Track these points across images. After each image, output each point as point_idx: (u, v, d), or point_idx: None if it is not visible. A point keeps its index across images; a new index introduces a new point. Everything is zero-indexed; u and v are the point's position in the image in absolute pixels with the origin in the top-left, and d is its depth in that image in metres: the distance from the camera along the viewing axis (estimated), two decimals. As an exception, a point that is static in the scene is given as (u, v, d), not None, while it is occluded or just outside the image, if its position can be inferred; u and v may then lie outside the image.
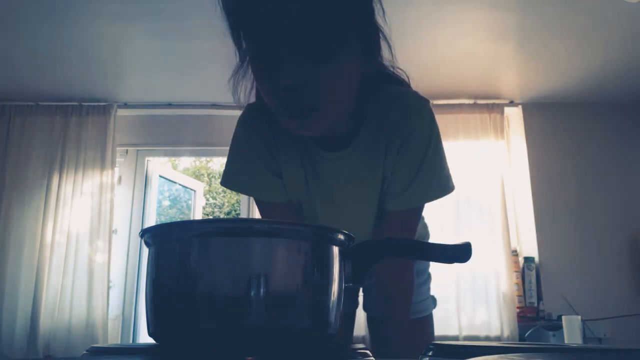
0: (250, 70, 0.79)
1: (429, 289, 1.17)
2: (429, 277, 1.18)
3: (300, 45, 0.68)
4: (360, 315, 1.26)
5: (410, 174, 0.86)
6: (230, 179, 0.93)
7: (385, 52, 0.82)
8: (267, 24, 0.68)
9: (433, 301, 1.17)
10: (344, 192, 0.91)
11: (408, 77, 0.92)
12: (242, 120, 0.93)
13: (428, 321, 1.13)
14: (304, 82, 0.69)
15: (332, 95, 0.73)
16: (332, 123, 0.78)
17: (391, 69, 0.90)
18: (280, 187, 0.91)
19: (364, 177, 0.89)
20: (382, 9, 0.77)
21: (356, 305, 1.21)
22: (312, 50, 0.68)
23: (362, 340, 2.54)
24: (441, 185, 0.88)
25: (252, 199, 3.24)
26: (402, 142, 0.85)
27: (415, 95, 0.88)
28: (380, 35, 0.78)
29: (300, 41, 0.68)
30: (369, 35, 0.76)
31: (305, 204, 0.94)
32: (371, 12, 0.76)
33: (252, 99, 0.89)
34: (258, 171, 0.90)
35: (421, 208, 0.92)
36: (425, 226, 1.18)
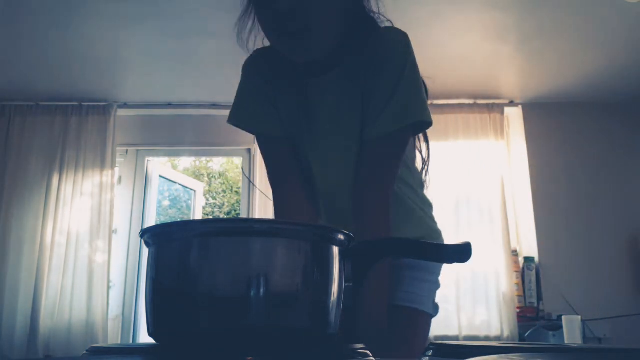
0: (252, 19, 0.92)
1: (431, 291, 1.14)
2: (436, 283, 1.15)
3: None
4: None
5: (385, 96, 0.88)
6: (233, 115, 1.02)
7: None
8: None
9: (435, 308, 1.14)
10: (328, 115, 0.95)
11: (392, 25, 0.96)
12: (247, 61, 1.03)
13: (417, 317, 1.07)
14: (297, 5, 0.80)
15: (323, 17, 0.84)
16: (323, 46, 0.87)
17: (378, 18, 0.96)
18: (275, 118, 0.99)
19: (346, 102, 0.93)
20: None
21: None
22: None
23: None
24: (416, 108, 0.88)
25: (251, 199, 3.25)
26: (377, 65, 0.90)
27: (394, 29, 0.93)
28: None
29: None
30: None
31: (299, 138, 0.99)
32: None
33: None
34: (258, 104, 0.99)
35: (401, 139, 0.90)
36: (437, 232, 1.15)
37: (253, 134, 1.03)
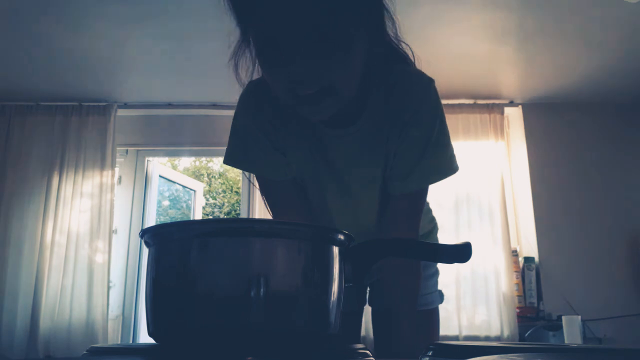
0: (250, 49, 0.80)
1: (436, 283, 1.17)
2: (436, 271, 1.18)
3: (307, 36, 0.67)
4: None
5: (414, 156, 0.85)
6: (233, 157, 0.92)
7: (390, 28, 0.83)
8: (273, 16, 0.68)
9: (440, 296, 1.18)
10: (349, 170, 0.90)
11: (413, 53, 0.91)
12: (243, 97, 0.91)
13: (433, 314, 1.14)
14: (314, 68, 0.69)
15: (343, 79, 0.73)
16: (344, 102, 0.78)
17: (396, 44, 0.88)
18: (284, 164, 0.90)
19: (368, 155, 0.88)
20: None
21: (364, 302, 1.21)
22: (320, 40, 0.68)
23: (362, 340, 2.54)
24: (445, 166, 0.87)
25: (251, 199, 3.25)
26: (405, 123, 0.84)
27: (420, 74, 0.87)
28: (385, 12, 0.78)
29: (307, 33, 0.67)
30: (375, 14, 0.76)
31: (310, 183, 0.93)
32: None
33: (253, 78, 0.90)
34: (260, 148, 0.89)
35: (425, 190, 0.91)
36: (432, 220, 1.18)
37: (257, 175, 0.94)
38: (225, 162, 0.93)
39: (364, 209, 0.96)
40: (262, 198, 0.96)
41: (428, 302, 1.12)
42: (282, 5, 0.67)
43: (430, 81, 0.86)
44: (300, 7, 0.66)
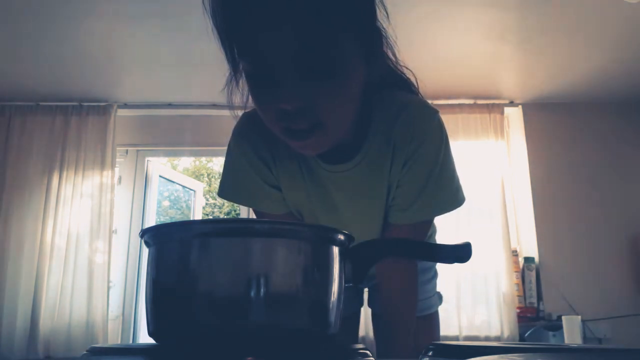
0: (243, 79, 0.74)
1: (434, 286, 1.17)
2: (435, 274, 1.18)
3: (297, 64, 0.63)
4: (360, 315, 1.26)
5: (417, 188, 0.82)
6: (227, 191, 0.90)
7: (389, 53, 0.78)
8: (260, 43, 0.63)
9: (439, 298, 1.17)
10: (347, 205, 0.87)
11: (416, 78, 0.87)
12: (236, 131, 0.89)
13: (433, 319, 1.13)
14: (304, 104, 0.64)
15: (335, 111, 0.68)
16: (338, 137, 0.74)
17: (396, 70, 0.85)
18: (279, 199, 0.88)
19: (368, 191, 0.85)
20: (386, 11, 0.71)
21: (361, 304, 1.21)
22: (311, 69, 0.63)
23: (362, 340, 2.54)
24: (449, 199, 0.84)
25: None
26: (409, 155, 0.80)
27: (423, 105, 0.83)
28: (383, 40, 0.73)
29: (297, 60, 0.63)
30: (371, 41, 0.70)
31: (306, 216, 0.90)
32: (372, 17, 0.70)
33: (250, 105, 0.85)
34: (255, 183, 0.86)
35: (429, 221, 0.89)
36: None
37: (252, 208, 0.92)
38: (219, 195, 0.91)
39: (362, 237, 0.94)
40: None
41: (428, 306, 1.12)
42: (268, 30, 0.62)
43: (434, 113, 0.82)
44: (287, 33, 0.61)
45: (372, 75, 0.72)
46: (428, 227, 0.90)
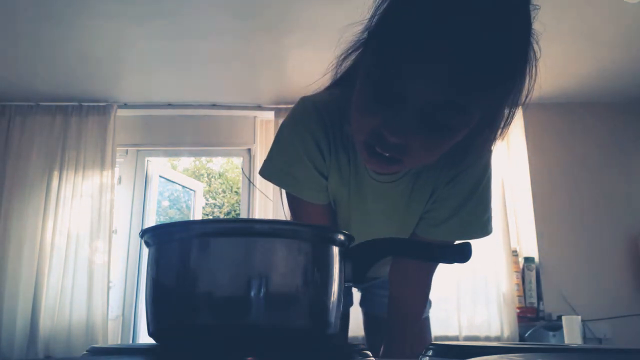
0: (362, 63, 0.69)
1: None
2: None
3: (428, 109, 0.61)
4: (358, 314, 1.26)
5: (454, 207, 0.83)
6: (272, 171, 0.87)
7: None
8: (419, 78, 0.59)
9: (428, 304, 1.18)
10: (382, 212, 0.87)
11: None
12: (297, 115, 0.85)
13: (425, 323, 1.14)
14: (403, 139, 0.63)
15: (423, 159, 0.69)
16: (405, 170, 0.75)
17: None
18: (323, 188, 0.86)
19: (406, 203, 0.85)
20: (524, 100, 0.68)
21: (351, 303, 1.22)
22: (433, 121, 0.62)
23: (362, 340, 2.54)
24: (481, 226, 0.85)
25: (251, 199, 3.25)
26: (453, 176, 0.82)
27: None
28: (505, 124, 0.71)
29: (432, 106, 0.60)
30: (493, 123, 0.69)
31: (341, 209, 0.90)
32: (510, 105, 0.68)
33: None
34: (305, 169, 0.84)
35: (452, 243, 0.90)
36: None
37: (294, 194, 0.89)
38: (262, 174, 0.88)
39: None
40: (290, 215, 0.92)
41: None
42: (438, 68, 0.58)
43: (490, 152, 0.84)
44: (444, 80, 0.58)
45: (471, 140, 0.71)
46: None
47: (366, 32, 0.67)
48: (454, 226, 0.84)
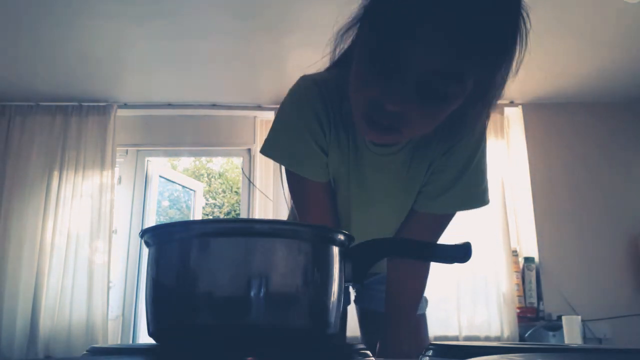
0: (359, 37, 0.71)
1: None
2: None
3: (425, 77, 0.62)
4: (353, 313, 1.27)
5: (451, 180, 0.85)
6: (273, 147, 0.87)
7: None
8: (418, 35, 0.61)
9: (425, 301, 1.18)
10: (381, 186, 0.89)
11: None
12: (296, 92, 0.86)
13: (421, 320, 1.15)
14: (402, 112, 0.65)
15: (419, 128, 0.71)
16: (403, 141, 0.76)
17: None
18: (323, 165, 0.87)
19: (405, 177, 0.87)
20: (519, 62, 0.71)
21: (348, 302, 1.22)
22: (430, 88, 0.63)
23: (359, 339, 2.54)
24: (478, 196, 0.87)
25: (251, 199, 3.25)
26: (449, 148, 0.84)
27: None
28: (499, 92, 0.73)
29: (428, 74, 0.62)
30: (487, 91, 0.70)
31: (341, 189, 0.91)
32: (504, 73, 0.70)
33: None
34: (306, 145, 0.85)
35: (451, 216, 0.91)
36: None
37: (294, 171, 0.89)
38: (264, 152, 0.88)
39: (384, 227, 0.95)
40: (290, 197, 0.93)
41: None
42: (434, 35, 0.60)
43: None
44: (440, 47, 0.60)
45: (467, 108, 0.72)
46: (446, 224, 0.92)
47: (362, 8, 0.69)
48: (453, 197, 0.86)
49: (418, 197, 0.89)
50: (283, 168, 0.90)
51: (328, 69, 0.86)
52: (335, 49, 0.78)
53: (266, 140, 0.88)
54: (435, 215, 0.89)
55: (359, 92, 0.70)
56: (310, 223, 0.89)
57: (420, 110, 0.66)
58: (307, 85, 0.86)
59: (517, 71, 0.72)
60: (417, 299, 0.96)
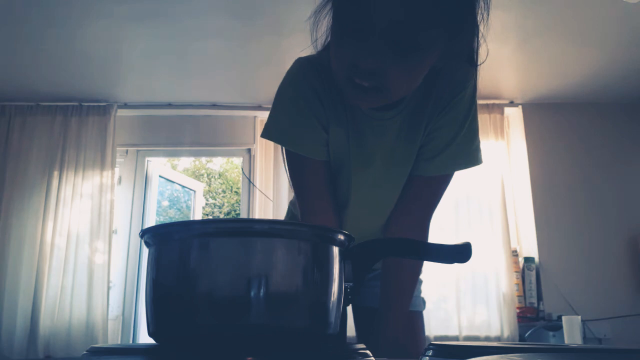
0: (331, 13, 0.76)
1: (419, 290, 1.17)
2: (420, 281, 1.18)
3: (392, 32, 0.66)
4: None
5: (446, 140, 0.87)
6: (273, 129, 0.89)
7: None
8: (377, 2, 0.66)
9: (423, 302, 1.18)
10: (383, 153, 0.90)
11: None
12: (293, 72, 0.89)
13: (418, 317, 1.14)
14: (381, 69, 0.68)
15: (401, 85, 0.73)
16: (392, 101, 0.79)
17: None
18: (324, 142, 0.89)
19: (404, 140, 0.89)
20: (488, 10, 0.75)
21: (347, 303, 1.21)
22: (400, 41, 0.67)
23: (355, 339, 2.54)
24: (472, 155, 0.89)
25: (251, 199, 3.25)
26: (445, 105, 0.86)
27: (464, 67, 0.88)
28: (474, 38, 0.77)
29: (394, 28, 0.66)
30: (459, 38, 0.74)
31: (340, 166, 0.92)
32: (471, 17, 0.73)
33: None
34: (306, 122, 0.87)
35: (447, 180, 0.92)
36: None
37: (295, 151, 0.90)
38: (264, 135, 0.90)
39: (386, 199, 0.96)
40: (289, 180, 0.94)
41: (415, 303, 1.12)
42: None
43: (472, 72, 0.88)
44: (398, 2, 0.65)
45: (446, 62, 0.77)
46: (444, 188, 0.93)
47: None
48: (448, 158, 0.88)
49: (416, 162, 0.91)
50: (285, 153, 0.92)
51: (320, 52, 0.88)
52: (314, 29, 0.81)
53: (266, 124, 0.90)
54: (433, 178, 0.90)
55: (337, 59, 0.73)
56: (309, 206, 0.90)
57: (397, 64, 0.69)
58: (302, 65, 0.88)
59: (485, 29, 0.77)
60: (414, 278, 0.96)
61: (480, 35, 0.78)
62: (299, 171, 0.91)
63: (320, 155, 0.89)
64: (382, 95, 0.73)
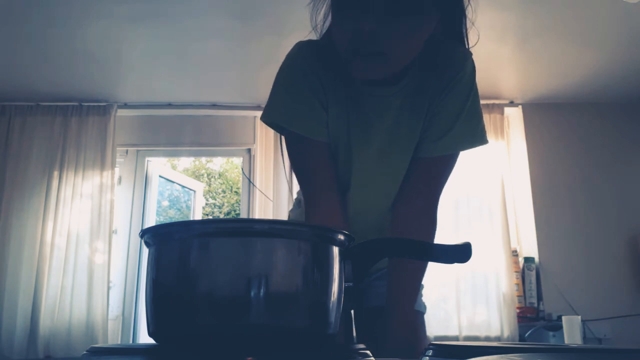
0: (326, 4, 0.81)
1: (421, 294, 1.17)
2: (422, 284, 1.18)
3: None
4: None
5: (451, 119, 0.88)
6: (273, 111, 0.89)
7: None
8: None
9: (423, 306, 1.18)
10: (385, 133, 0.90)
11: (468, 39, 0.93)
12: (292, 55, 0.91)
13: (420, 319, 1.14)
14: (380, 31, 0.72)
15: (402, 49, 0.77)
16: (394, 70, 0.81)
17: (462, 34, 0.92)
18: (324, 122, 0.89)
19: (408, 116, 0.89)
20: None
21: (352, 306, 1.20)
22: (398, 5, 0.71)
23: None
24: (477, 135, 0.90)
25: (251, 199, 3.25)
26: (445, 86, 0.87)
27: (463, 46, 0.91)
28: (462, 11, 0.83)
29: None
30: (451, 9, 0.80)
31: (341, 150, 0.92)
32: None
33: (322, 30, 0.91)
34: (306, 101, 0.87)
35: (453, 160, 0.93)
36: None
37: (295, 132, 0.89)
38: (264, 118, 0.90)
39: (389, 181, 0.95)
40: (290, 165, 0.94)
41: (418, 303, 1.12)
42: None
43: (469, 53, 0.90)
44: None
45: (440, 32, 0.82)
46: (451, 168, 0.93)
47: None
48: (454, 137, 0.89)
49: (421, 144, 0.91)
50: (286, 140, 0.92)
51: (321, 38, 0.90)
52: (314, 14, 0.85)
53: (265, 108, 0.90)
54: (438, 159, 0.90)
55: (340, 31, 0.77)
56: (314, 196, 0.90)
57: (396, 28, 0.73)
58: (301, 47, 0.90)
59: (473, 15, 0.85)
60: (420, 277, 0.96)
61: (467, 20, 0.85)
62: (301, 156, 0.91)
63: (321, 136, 0.89)
64: (385, 61, 0.76)
